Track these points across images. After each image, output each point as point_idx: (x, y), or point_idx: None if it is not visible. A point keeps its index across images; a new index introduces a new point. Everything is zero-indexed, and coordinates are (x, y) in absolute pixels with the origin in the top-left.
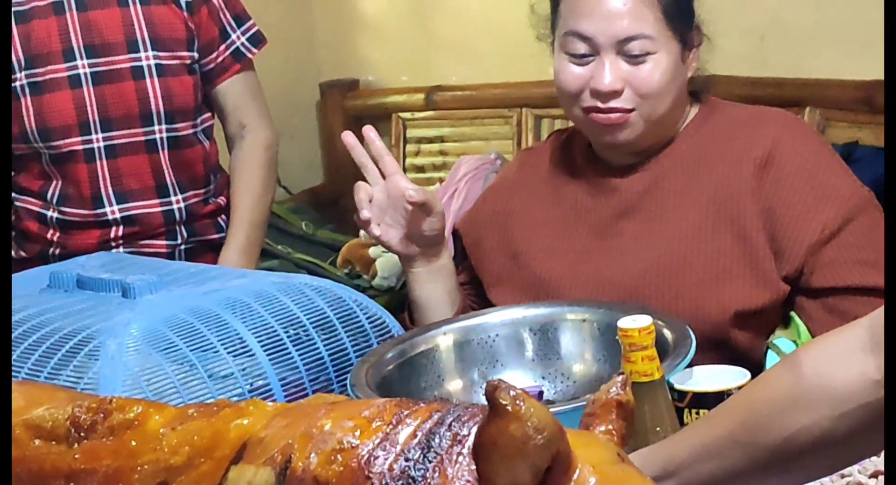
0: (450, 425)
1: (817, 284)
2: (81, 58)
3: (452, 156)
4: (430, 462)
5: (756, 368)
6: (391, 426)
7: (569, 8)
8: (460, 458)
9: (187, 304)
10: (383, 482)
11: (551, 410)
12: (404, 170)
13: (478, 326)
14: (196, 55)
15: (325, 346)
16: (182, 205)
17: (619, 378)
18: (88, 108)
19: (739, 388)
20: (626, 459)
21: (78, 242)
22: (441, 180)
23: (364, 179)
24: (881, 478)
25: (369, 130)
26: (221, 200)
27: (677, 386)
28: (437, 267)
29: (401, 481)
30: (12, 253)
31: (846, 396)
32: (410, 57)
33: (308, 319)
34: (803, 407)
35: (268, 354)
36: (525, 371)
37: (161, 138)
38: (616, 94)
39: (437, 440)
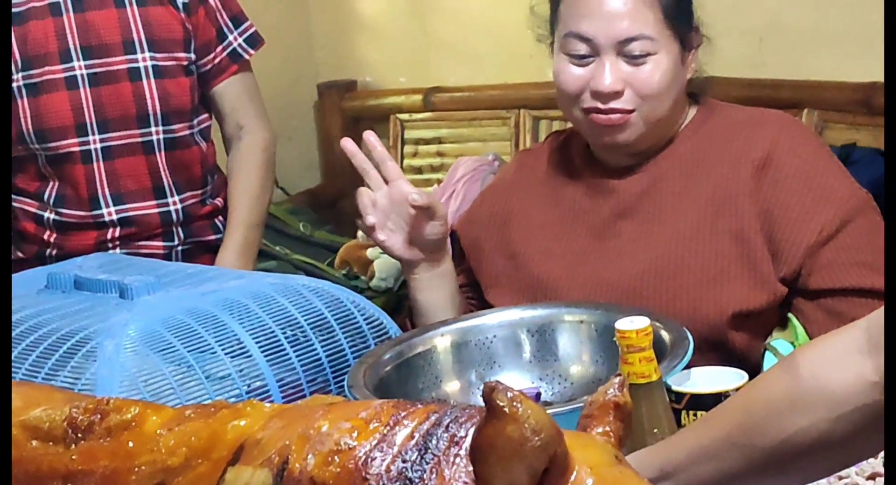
0: (447, 426)
1: (815, 286)
2: (78, 59)
3: (450, 157)
4: (427, 464)
5: (753, 369)
6: (388, 428)
7: (569, 9)
8: (457, 459)
9: (185, 305)
10: (380, 484)
11: (548, 411)
12: (402, 171)
13: (475, 327)
14: (193, 56)
15: (322, 347)
16: (179, 206)
17: (617, 380)
18: (85, 110)
19: (737, 390)
20: (624, 460)
21: (75, 243)
22: (439, 181)
23: (363, 184)
24: (879, 480)
25: (370, 135)
26: (219, 201)
27: (675, 388)
28: (440, 272)
29: (398, 483)
30: None
31: (843, 398)
32: (408, 58)
33: (306, 320)
34: (801, 409)
35: (265, 356)
36: (522, 373)
37: (158, 140)
38: (616, 94)
39: (434, 442)
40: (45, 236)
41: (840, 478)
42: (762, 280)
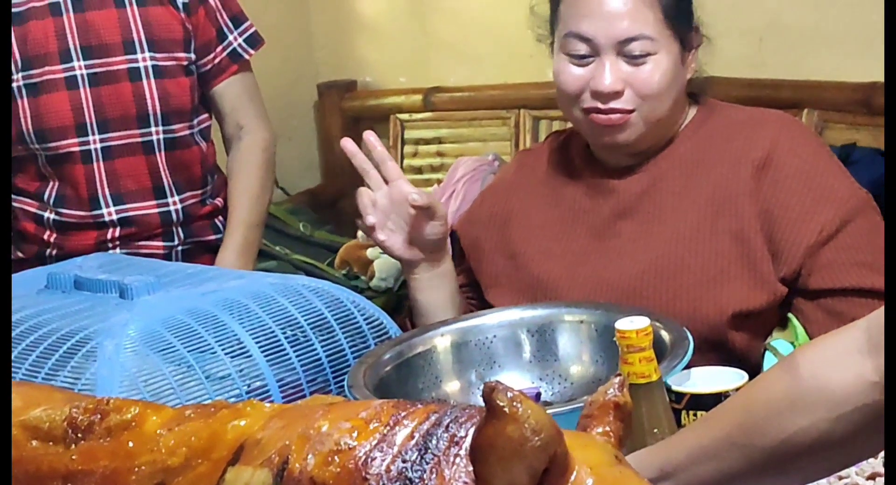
0: (447, 426)
1: (815, 286)
2: (78, 59)
3: (450, 157)
4: (427, 464)
5: (753, 369)
6: (388, 428)
7: (569, 9)
8: (457, 459)
9: (185, 305)
10: (380, 484)
11: (548, 411)
12: (402, 171)
13: (475, 327)
14: (193, 56)
15: (322, 347)
16: (179, 206)
17: (617, 380)
18: (85, 110)
19: (737, 390)
20: (624, 460)
21: (75, 243)
22: (439, 181)
23: (363, 184)
24: (879, 480)
25: (369, 135)
26: (219, 201)
27: (675, 388)
28: (440, 272)
29: (398, 483)
30: None
31: (843, 398)
32: (408, 58)
33: (306, 320)
34: (800, 409)
35: (265, 356)
36: (522, 373)
37: (158, 140)
38: (616, 94)
39: (434, 442)
40: (45, 236)
41: (840, 478)
42: (762, 280)
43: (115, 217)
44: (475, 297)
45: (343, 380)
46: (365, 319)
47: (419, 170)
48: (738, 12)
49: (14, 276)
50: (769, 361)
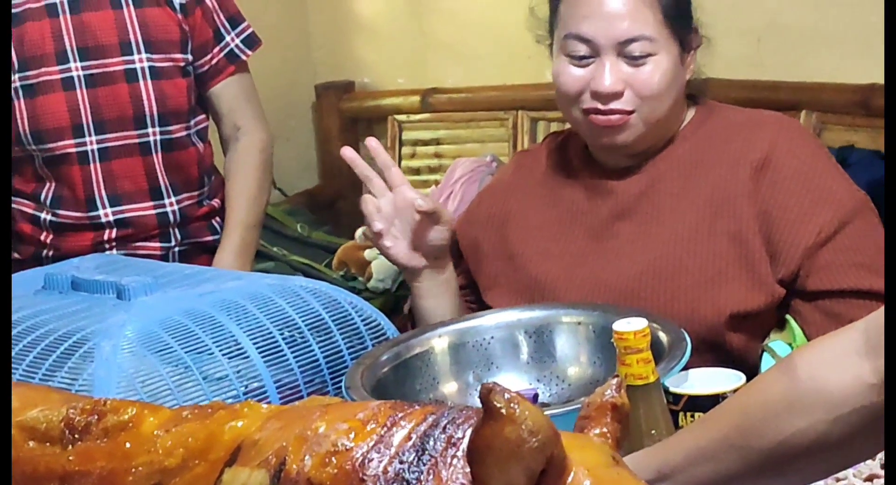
0: (444, 427)
1: (813, 287)
2: (75, 60)
3: (448, 158)
4: (424, 465)
5: (751, 371)
6: (386, 429)
7: (568, 10)
8: (455, 460)
9: (182, 306)
10: None
11: (546, 413)
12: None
13: (473, 328)
14: (190, 57)
15: (319, 348)
16: (176, 207)
17: (614, 381)
18: (82, 111)
19: (734, 391)
20: (621, 462)
21: (71, 244)
22: (437, 183)
23: (361, 185)
24: (877, 481)
25: (372, 141)
26: (216, 202)
27: (672, 389)
28: (444, 279)
29: (395, 484)
30: None
31: (841, 399)
32: (406, 59)
33: (303, 321)
34: (798, 411)
35: (263, 357)
36: (520, 374)
37: (155, 141)
38: (616, 95)
39: (431, 443)
40: (42, 238)
41: (837, 480)
42: (760, 281)
43: (111, 218)
44: (474, 298)
45: (340, 381)
46: (362, 321)
47: (417, 171)
48: (737, 13)
49: (12, 276)
50: (767, 362)
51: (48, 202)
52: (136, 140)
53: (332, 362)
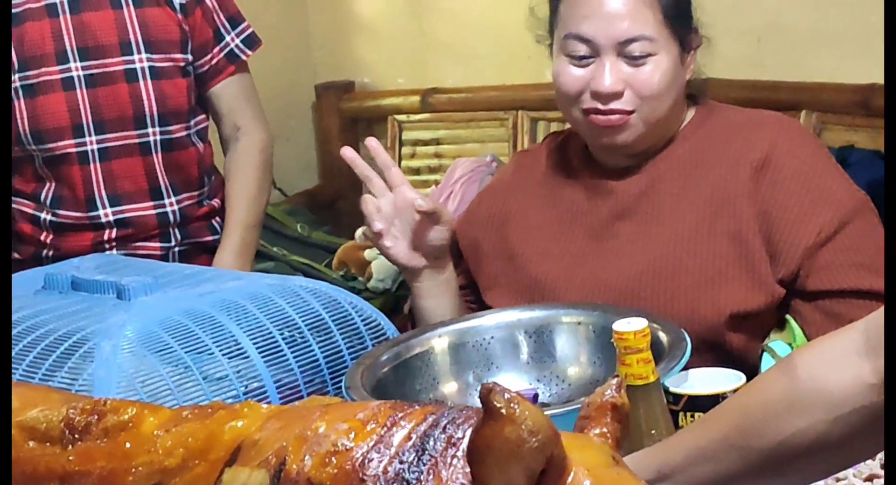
0: (444, 427)
1: (813, 287)
2: (75, 60)
3: (448, 158)
4: (424, 465)
5: (751, 371)
6: (386, 429)
7: (569, 10)
8: (455, 460)
9: (182, 306)
10: None
11: (546, 412)
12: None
13: (473, 328)
14: (190, 57)
15: (319, 348)
16: (176, 207)
17: (614, 381)
18: (82, 111)
19: (734, 391)
20: (621, 462)
21: (71, 244)
22: (437, 183)
23: (361, 185)
24: (877, 481)
25: (372, 141)
26: (216, 202)
27: (672, 389)
28: (444, 279)
29: (395, 484)
30: None
31: (841, 399)
32: (406, 59)
33: (303, 321)
34: (798, 411)
35: (262, 357)
36: (520, 374)
37: (155, 141)
38: (617, 95)
39: (431, 443)
40: (42, 238)
41: (837, 480)
42: (760, 281)
43: (111, 218)
44: (474, 298)
45: (340, 381)
46: (362, 321)
47: (417, 171)
48: (737, 13)
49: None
50: (767, 362)
51: (48, 202)
52: (136, 140)
53: (331, 362)
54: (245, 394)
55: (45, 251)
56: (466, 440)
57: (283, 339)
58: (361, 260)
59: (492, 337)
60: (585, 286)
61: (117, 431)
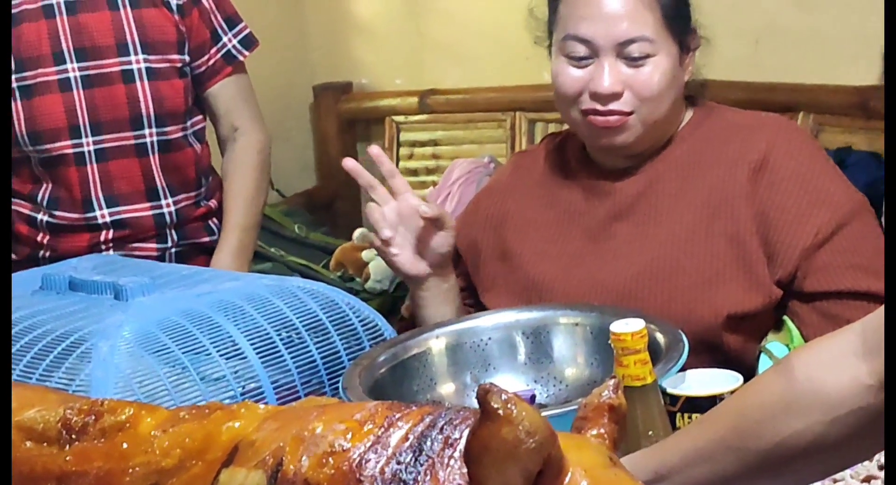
0: (441, 428)
1: (810, 289)
2: (71, 61)
3: (446, 159)
4: (421, 465)
5: (748, 372)
6: (383, 429)
7: (568, 11)
8: (452, 461)
9: (180, 306)
10: None
11: (543, 413)
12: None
13: (470, 329)
14: (187, 58)
15: (317, 349)
16: (173, 208)
17: (612, 382)
18: (78, 112)
19: (732, 392)
20: (618, 463)
21: (68, 245)
22: (434, 184)
23: (359, 186)
24: (874, 483)
25: (375, 149)
26: (213, 203)
27: (670, 390)
28: (446, 289)
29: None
30: None
31: (838, 401)
32: (404, 60)
33: (300, 321)
34: (795, 412)
35: (260, 357)
36: (517, 375)
37: (151, 142)
38: (616, 96)
39: (428, 444)
40: (39, 238)
41: (835, 481)
42: (757, 282)
43: (108, 219)
44: (472, 301)
45: (338, 382)
46: (360, 321)
47: (415, 172)
48: (734, 14)
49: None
50: (764, 363)
51: (45, 203)
52: (133, 141)
53: (329, 363)
54: (242, 394)
55: (41, 252)
56: (463, 441)
57: (281, 339)
58: (359, 261)
59: (489, 338)
60: (583, 287)
61: (114, 431)
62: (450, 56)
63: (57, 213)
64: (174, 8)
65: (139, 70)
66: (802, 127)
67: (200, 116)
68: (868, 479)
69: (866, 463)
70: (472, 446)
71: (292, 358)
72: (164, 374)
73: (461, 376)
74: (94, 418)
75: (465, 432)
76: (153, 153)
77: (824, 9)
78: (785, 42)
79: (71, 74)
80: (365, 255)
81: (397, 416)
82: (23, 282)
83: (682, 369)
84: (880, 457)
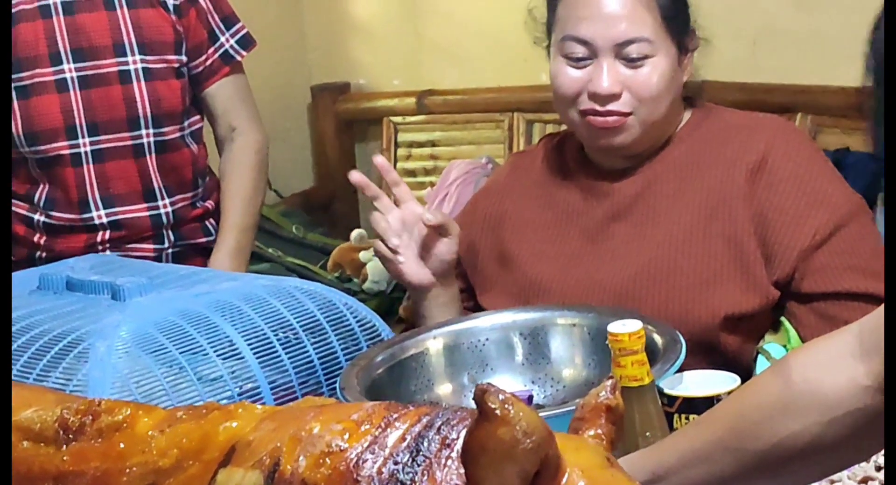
0: (439, 428)
1: (808, 290)
2: (68, 61)
3: (444, 160)
4: (418, 466)
5: (746, 373)
6: (380, 430)
7: (567, 11)
8: (449, 461)
9: (177, 306)
10: None
11: (541, 414)
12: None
13: (468, 330)
14: (184, 58)
15: (314, 349)
16: (169, 209)
17: (609, 382)
18: (75, 113)
19: (729, 393)
20: (616, 463)
21: (65, 245)
22: (432, 185)
23: (356, 190)
24: (871, 484)
25: (380, 158)
26: (209, 204)
27: (667, 391)
28: (449, 299)
29: None
30: None
31: (836, 402)
32: (402, 60)
33: (298, 322)
34: (793, 413)
35: (257, 357)
36: (515, 375)
37: (148, 142)
38: (614, 97)
39: (426, 444)
40: (35, 239)
41: (832, 482)
42: (755, 283)
43: (105, 220)
44: (471, 304)
45: (335, 382)
46: (357, 322)
47: (412, 173)
48: (732, 15)
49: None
50: (761, 364)
51: (42, 204)
52: (130, 142)
53: (326, 363)
54: (240, 395)
55: (38, 253)
56: (461, 441)
57: (278, 340)
58: (356, 262)
59: (487, 339)
60: (580, 288)
61: (112, 431)
62: (448, 57)
63: (53, 213)
64: (171, 8)
65: (136, 70)
66: (800, 128)
67: (198, 117)
68: (865, 480)
69: (863, 464)
70: (469, 447)
71: (290, 358)
72: (162, 374)
73: (459, 376)
74: (91, 418)
75: (463, 433)
76: (150, 154)
77: (823, 10)
78: (783, 43)
79: (67, 75)
80: (362, 255)
81: (394, 416)
82: (20, 282)
83: (680, 370)
84: (877, 458)
